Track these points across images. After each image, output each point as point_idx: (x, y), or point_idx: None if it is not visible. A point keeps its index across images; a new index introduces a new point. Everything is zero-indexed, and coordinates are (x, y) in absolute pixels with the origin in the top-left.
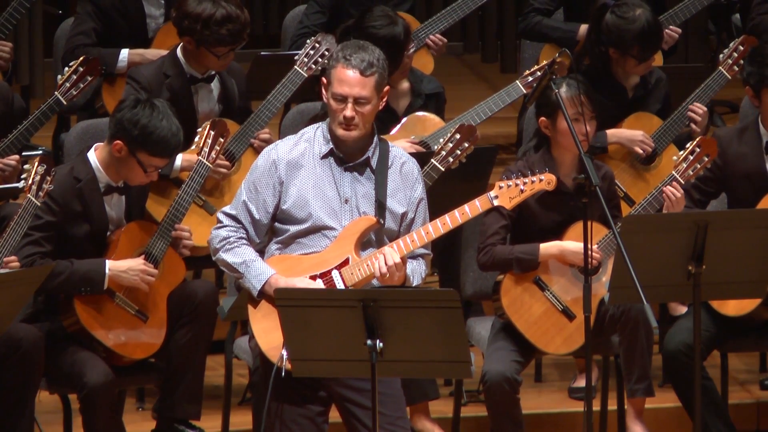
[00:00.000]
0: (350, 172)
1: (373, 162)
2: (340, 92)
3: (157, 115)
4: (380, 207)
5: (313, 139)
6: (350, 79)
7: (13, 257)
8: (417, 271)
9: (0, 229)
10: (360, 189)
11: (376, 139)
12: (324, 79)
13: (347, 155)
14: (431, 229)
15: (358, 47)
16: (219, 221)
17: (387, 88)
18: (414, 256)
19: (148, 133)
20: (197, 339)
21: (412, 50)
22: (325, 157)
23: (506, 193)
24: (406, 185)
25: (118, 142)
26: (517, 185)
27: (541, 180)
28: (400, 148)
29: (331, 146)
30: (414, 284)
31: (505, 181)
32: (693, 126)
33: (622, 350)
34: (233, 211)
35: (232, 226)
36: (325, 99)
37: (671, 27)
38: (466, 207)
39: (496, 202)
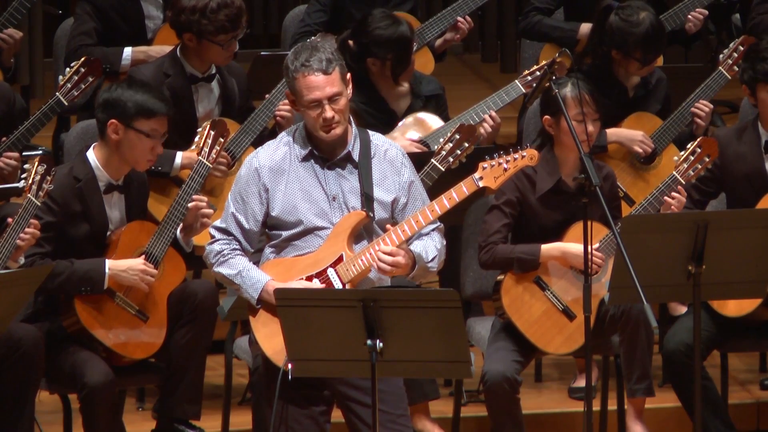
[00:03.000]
0: (333, 168)
1: (355, 155)
2: (313, 98)
3: (134, 84)
4: (367, 199)
5: (292, 142)
6: (318, 83)
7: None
8: (429, 246)
9: (0, 229)
10: (346, 184)
11: (354, 130)
12: (288, 93)
13: (328, 153)
14: (421, 218)
15: (310, 49)
16: (211, 236)
17: (349, 75)
18: (421, 235)
19: (136, 99)
20: (197, 339)
21: (414, 49)
22: (305, 159)
23: (490, 173)
24: (392, 171)
25: (113, 121)
26: (500, 164)
27: (523, 156)
28: (382, 136)
29: (310, 147)
30: (430, 258)
31: (488, 161)
32: (698, 120)
33: (623, 350)
34: (223, 224)
35: (224, 239)
36: (296, 110)
37: (698, 9)
38: (452, 192)
39: (480, 183)
